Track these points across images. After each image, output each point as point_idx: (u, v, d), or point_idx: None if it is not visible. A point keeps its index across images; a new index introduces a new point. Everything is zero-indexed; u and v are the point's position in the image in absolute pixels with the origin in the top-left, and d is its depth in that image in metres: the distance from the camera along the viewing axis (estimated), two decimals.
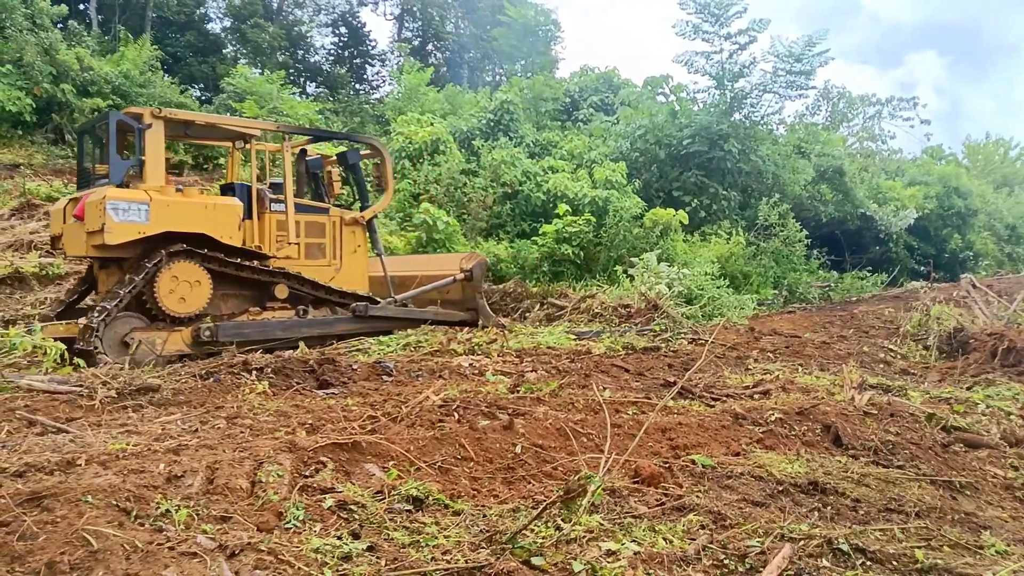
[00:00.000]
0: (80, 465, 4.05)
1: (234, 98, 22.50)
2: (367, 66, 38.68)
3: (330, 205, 10.75)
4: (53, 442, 4.60)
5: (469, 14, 40.40)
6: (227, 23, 34.61)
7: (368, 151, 11.44)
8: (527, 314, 13.68)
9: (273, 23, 33.25)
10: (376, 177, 11.47)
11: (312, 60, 36.67)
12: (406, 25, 41.29)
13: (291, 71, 31.48)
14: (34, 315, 9.39)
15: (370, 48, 38.61)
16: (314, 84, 35.39)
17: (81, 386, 6.32)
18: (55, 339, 7.44)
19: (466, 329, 11.14)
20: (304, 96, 30.05)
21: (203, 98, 27.99)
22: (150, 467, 4.08)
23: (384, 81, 38.66)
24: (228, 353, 7.90)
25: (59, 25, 21.97)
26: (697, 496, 4.62)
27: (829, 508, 4.81)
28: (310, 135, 11.58)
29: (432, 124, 21.20)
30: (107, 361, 7.60)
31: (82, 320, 8.21)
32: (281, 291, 9.52)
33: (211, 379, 7.06)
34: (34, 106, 19.00)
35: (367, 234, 10.85)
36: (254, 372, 7.22)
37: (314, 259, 10.20)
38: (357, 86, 36.17)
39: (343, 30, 37.98)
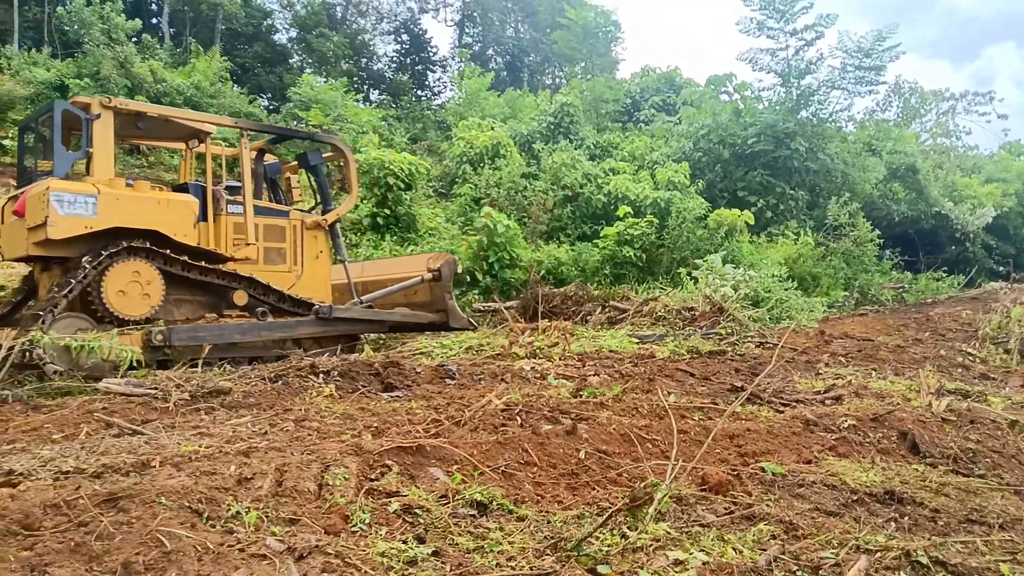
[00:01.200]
0: (154, 467, 4.15)
1: (300, 107, 22.99)
2: (428, 72, 39.11)
3: (290, 208, 10.09)
4: (129, 444, 4.73)
5: (529, 18, 40.42)
6: (293, 33, 35.43)
7: (331, 152, 10.77)
8: (588, 317, 13.59)
9: (337, 32, 33.86)
10: (340, 180, 10.91)
11: (375, 68, 37.25)
12: (466, 31, 41.59)
13: (355, 79, 32.03)
14: None
15: (431, 55, 39.02)
16: (377, 92, 35.92)
17: (156, 388, 6.51)
18: None
19: (527, 332, 11.04)
20: (367, 103, 30.52)
21: (271, 107, 28.67)
22: (221, 469, 4.16)
23: (445, 87, 39.03)
24: (295, 356, 8.00)
25: (133, 39, 22.80)
26: (767, 505, 4.49)
27: (907, 519, 4.64)
28: (270, 133, 10.90)
29: (492, 128, 21.27)
30: (56, 368, 6.98)
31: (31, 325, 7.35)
32: (240, 297, 8.78)
33: (280, 382, 7.20)
34: None
35: (329, 239, 10.16)
36: (321, 375, 7.35)
37: (273, 264, 9.48)
38: (419, 93, 36.56)
39: (405, 37, 38.47)
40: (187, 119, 9.29)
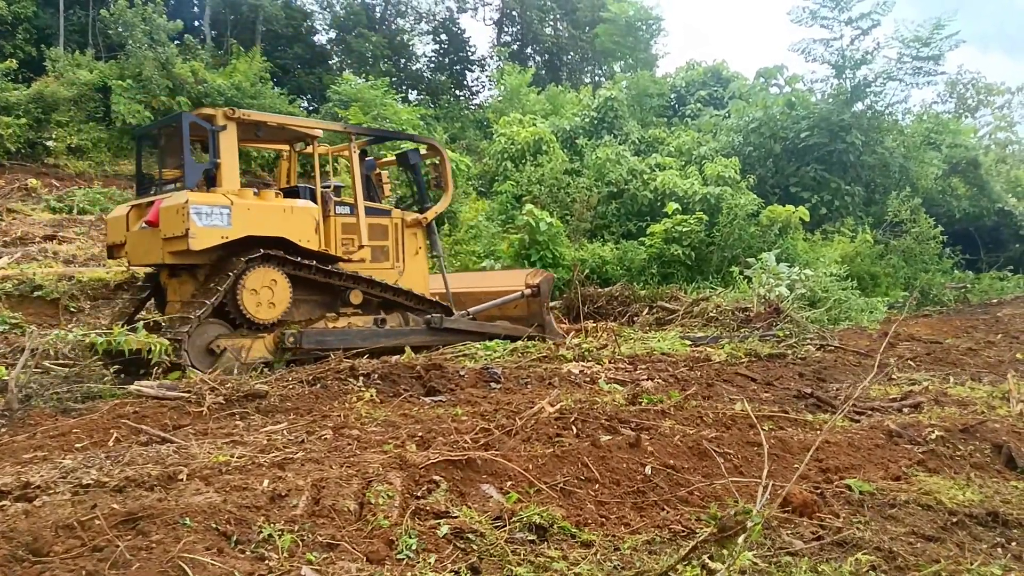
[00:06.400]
0: (181, 480, 3.80)
1: (340, 106, 22.79)
2: (467, 72, 38.71)
3: (392, 207, 10.52)
4: (156, 453, 4.41)
5: (568, 16, 39.83)
6: (332, 34, 35.35)
7: (428, 151, 11.13)
8: (635, 318, 13.11)
9: (376, 33, 33.70)
10: (435, 178, 11.13)
11: (414, 68, 36.94)
12: (505, 29, 41.14)
13: (393, 79, 31.78)
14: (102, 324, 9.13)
15: (470, 54, 38.64)
16: (415, 92, 35.63)
17: (189, 392, 6.21)
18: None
19: (572, 334, 10.79)
20: (406, 103, 30.28)
21: (310, 108, 28.56)
22: (253, 483, 3.80)
23: (484, 86, 38.65)
24: (336, 358, 7.70)
25: (175, 40, 22.80)
26: (859, 528, 4.02)
27: (1015, 544, 4.15)
28: (373, 136, 11.61)
29: (534, 124, 20.83)
30: (195, 370, 7.41)
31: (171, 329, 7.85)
32: (356, 296, 9.25)
33: (318, 385, 6.86)
34: (152, 118, 19.74)
35: (426, 236, 10.60)
36: (360, 378, 6.99)
37: (378, 262, 9.88)
38: (457, 92, 36.21)
39: (443, 37, 38.15)
40: (300, 126, 9.85)
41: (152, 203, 8.36)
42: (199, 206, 7.80)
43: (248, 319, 8.20)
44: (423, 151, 11.02)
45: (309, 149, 9.88)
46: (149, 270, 9.32)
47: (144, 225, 8.37)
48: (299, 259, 8.65)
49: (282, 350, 8.32)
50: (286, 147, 10.49)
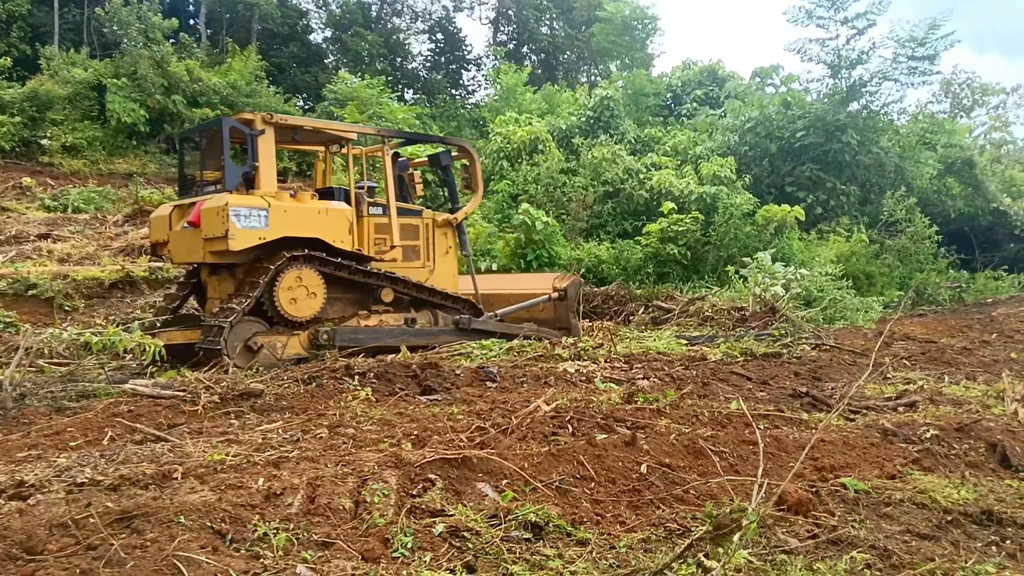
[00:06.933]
0: (176, 479, 3.79)
1: (336, 104, 22.78)
2: (463, 71, 38.70)
3: (423, 207, 10.74)
4: (151, 451, 4.40)
5: (564, 15, 39.80)
6: (328, 33, 35.29)
7: (458, 152, 11.35)
8: (631, 318, 13.11)
9: (372, 32, 33.66)
10: (465, 178, 11.33)
11: (410, 67, 36.91)
12: (501, 28, 41.11)
13: (389, 78, 31.76)
14: (143, 319, 9.38)
15: (466, 53, 38.61)
16: (411, 91, 35.59)
17: (184, 391, 6.20)
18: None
19: None
20: (402, 102, 30.23)
21: (306, 107, 28.52)
22: (249, 482, 3.79)
23: (480, 86, 38.63)
24: (331, 357, 7.71)
25: (170, 39, 22.76)
26: (854, 527, 4.03)
27: (1009, 542, 4.18)
28: (406, 138, 12.02)
29: (530, 123, 20.82)
30: (235, 365, 7.74)
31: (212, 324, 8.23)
32: (387, 295, 9.52)
33: (313, 384, 6.85)
34: (147, 117, 19.73)
35: (456, 236, 10.84)
36: (356, 377, 6.98)
37: (410, 261, 10.15)
38: (453, 91, 36.17)
39: (439, 36, 38.14)
40: (335, 130, 10.01)
41: (194, 204, 8.64)
42: (238, 208, 8.08)
43: (284, 317, 8.48)
44: (455, 152, 11.25)
45: (344, 151, 10.16)
46: (182, 270, 9.70)
47: (186, 225, 8.68)
48: (333, 259, 8.90)
49: (316, 347, 8.58)
50: (321, 149, 10.76)
